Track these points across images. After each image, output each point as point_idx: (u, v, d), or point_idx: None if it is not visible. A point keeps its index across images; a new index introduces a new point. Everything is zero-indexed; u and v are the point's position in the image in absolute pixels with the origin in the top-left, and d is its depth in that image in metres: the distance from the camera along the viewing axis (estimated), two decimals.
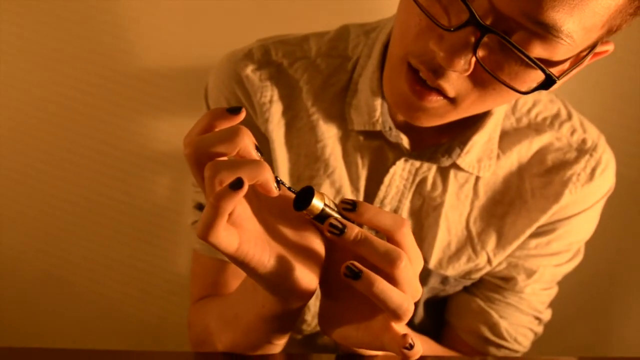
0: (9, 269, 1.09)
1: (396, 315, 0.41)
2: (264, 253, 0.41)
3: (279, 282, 0.43)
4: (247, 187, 0.36)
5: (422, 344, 0.61)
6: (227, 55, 0.67)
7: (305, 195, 0.42)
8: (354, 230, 0.41)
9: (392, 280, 0.41)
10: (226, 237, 0.38)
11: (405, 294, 0.42)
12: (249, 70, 0.64)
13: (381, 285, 0.40)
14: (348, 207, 0.42)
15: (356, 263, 0.40)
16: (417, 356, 0.41)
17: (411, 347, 0.41)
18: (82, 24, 0.95)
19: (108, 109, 0.99)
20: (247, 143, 0.38)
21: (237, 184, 0.36)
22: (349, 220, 0.42)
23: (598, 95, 0.93)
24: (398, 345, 0.41)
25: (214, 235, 0.37)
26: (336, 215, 0.42)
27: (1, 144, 1.02)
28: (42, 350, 0.58)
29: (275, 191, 0.39)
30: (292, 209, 0.43)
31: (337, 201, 0.50)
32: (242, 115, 0.40)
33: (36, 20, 0.95)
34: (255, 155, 0.39)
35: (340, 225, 0.41)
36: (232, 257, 0.40)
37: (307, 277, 0.44)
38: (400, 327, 0.43)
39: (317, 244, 0.44)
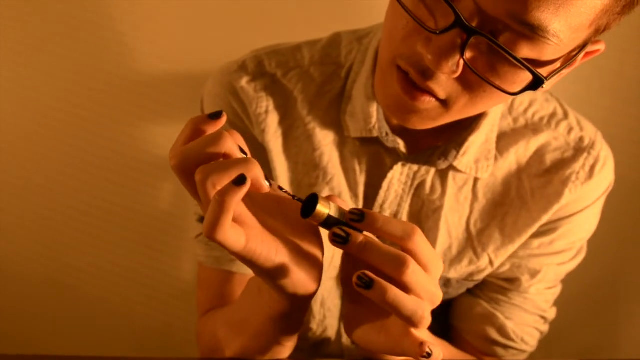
0: (13, 276, 1.10)
1: (412, 323, 0.41)
2: (270, 249, 0.42)
3: (285, 277, 0.43)
4: (250, 183, 0.37)
5: (444, 352, 0.62)
6: (221, 68, 0.67)
7: (311, 203, 0.42)
8: (358, 239, 0.41)
9: (403, 286, 0.41)
10: (233, 234, 0.39)
11: (422, 300, 0.41)
12: (244, 81, 0.64)
13: (393, 293, 0.40)
14: (355, 218, 0.42)
15: (367, 272, 0.40)
16: None
17: (429, 355, 0.41)
18: (83, 30, 0.95)
19: (111, 115, 1.00)
20: (231, 145, 0.39)
21: (240, 180, 0.37)
22: (357, 229, 0.42)
23: (599, 97, 0.92)
24: (416, 352, 0.41)
25: (221, 233, 0.38)
26: (342, 222, 0.42)
27: (3, 151, 1.03)
28: (46, 357, 0.59)
29: (265, 187, 0.39)
30: (285, 207, 0.44)
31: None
32: (224, 119, 0.40)
33: (36, 26, 0.95)
34: (241, 156, 0.40)
35: (343, 235, 0.41)
36: (240, 255, 0.41)
37: (311, 269, 0.44)
38: (420, 333, 0.43)
39: (316, 236, 0.45)
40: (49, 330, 1.14)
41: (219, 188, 0.37)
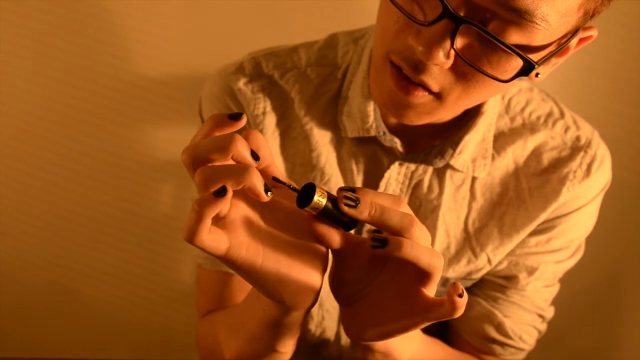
0: (13, 278, 1.11)
1: (428, 274, 0.42)
2: (256, 257, 0.42)
3: (274, 286, 0.43)
4: (230, 195, 0.37)
5: (437, 349, 0.62)
6: (219, 70, 0.67)
7: (307, 192, 0.42)
8: (367, 201, 0.42)
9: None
10: (212, 240, 0.39)
11: (433, 249, 0.42)
12: (241, 83, 0.65)
13: (409, 244, 0.41)
14: (348, 193, 0.42)
15: (377, 234, 0.41)
16: (464, 307, 0.42)
17: (463, 293, 0.41)
18: (82, 33, 0.96)
19: (110, 118, 1.00)
20: (241, 149, 0.39)
21: (220, 191, 0.37)
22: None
23: (598, 98, 0.92)
24: (448, 299, 0.41)
25: (197, 239, 0.38)
26: (339, 211, 0.42)
27: (3, 154, 1.03)
28: None
29: (264, 196, 0.39)
30: (296, 213, 0.44)
31: None
32: (243, 121, 0.40)
33: (38, 30, 0.96)
34: (250, 160, 0.39)
35: (354, 197, 0.42)
36: (223, 259, 0.41)
37: (305, 283, 0.44)
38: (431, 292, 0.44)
39: (320, 251, 0.45)
40: (48, 333, 1.15)
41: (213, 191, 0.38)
